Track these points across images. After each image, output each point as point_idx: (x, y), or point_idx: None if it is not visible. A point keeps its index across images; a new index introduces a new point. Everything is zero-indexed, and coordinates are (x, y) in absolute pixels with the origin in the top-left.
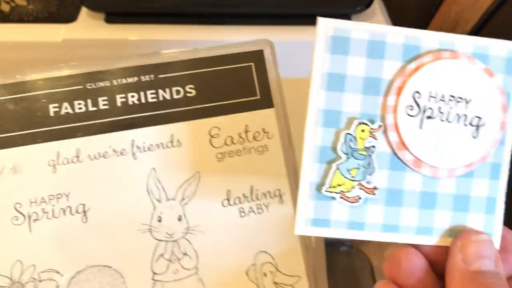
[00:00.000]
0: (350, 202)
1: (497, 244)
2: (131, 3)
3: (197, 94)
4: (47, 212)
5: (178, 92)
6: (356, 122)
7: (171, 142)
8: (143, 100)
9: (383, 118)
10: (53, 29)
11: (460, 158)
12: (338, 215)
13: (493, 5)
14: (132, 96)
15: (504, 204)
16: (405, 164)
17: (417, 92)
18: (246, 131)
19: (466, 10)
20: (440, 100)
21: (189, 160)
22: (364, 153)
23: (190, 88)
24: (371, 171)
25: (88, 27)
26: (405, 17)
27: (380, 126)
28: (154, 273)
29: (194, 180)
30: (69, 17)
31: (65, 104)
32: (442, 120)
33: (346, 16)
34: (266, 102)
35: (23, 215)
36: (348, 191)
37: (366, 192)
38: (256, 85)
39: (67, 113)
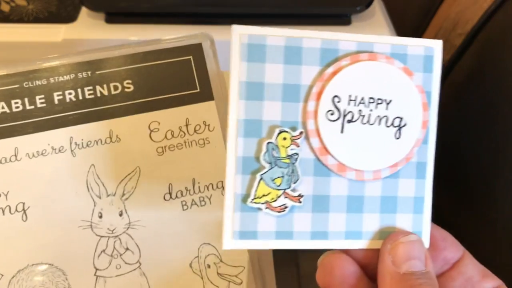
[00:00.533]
0: (276, 211)
1: (426, 243)
2: (131, 3)
3: (135, 89)
4: None
5: (116, 87)
6: (277, 130)
7: (110, 138)
8: (80, 97)
9: (304, 125)
10: (53, 29)
11: (384, 160)
12: (266, 225)
13: (493, 5)
14: (69, 93)
15: (432, 202)
16: (329, 169)
17: (337, 96)
18: (187, 125)
19: (466, 10)
20: (360, 103)
21: (129, 155)
22: (287, 161)
23: (128, 83)
24: (296, 179)
25: (88, 27)
26: (405, 17)
27: (301, 132)
28: (97, 269)
29: (134, 175)
30: (69, 17)
31: (2, 104)
32: (363, 123)
33: (346, 16)
34: (206, 95)
35: None
36: (274, 201)
37: (292, 200)
38: (196, 78)
39: (4, 112)
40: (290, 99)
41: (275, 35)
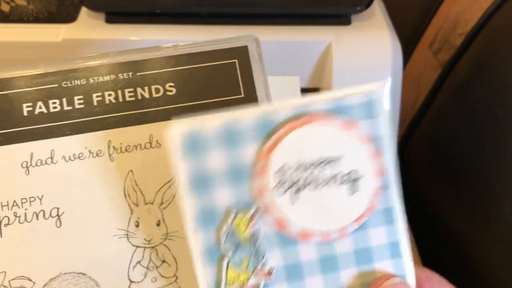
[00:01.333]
0: None
1: (412, 284)
2: (131, 3)
3: (177, 93)
4: (19, 216)
5: (157, 90)
6: (232, 215)
7: (150, 143)
8: (120, 99)
9: (257, 202)
10: (53, 29)
11: (347, 216)
12: None
13: (493, 5)
14: (109, 95)
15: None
16: (294, 238)
17: (282, 168)
18: None
19: (466, 10)
20: (308, 167)
21: (169, 162)
22: (249, 241)
23: (170, 86)
24: (263, 255)
25: (88, 27)
26: (405, 17)
27: (256, 210)
28: (131, 281)
29: (174, 183)
30: (69, 17)
31: (39, 103)
32: (316, 185)
33: (346, 16)
34: (250, 100)
35: None
36: (246, 283)
37: (263, 277)
38: (240, 83)
39: (41, 112)
40: (237, 181)
41: (208, 122)
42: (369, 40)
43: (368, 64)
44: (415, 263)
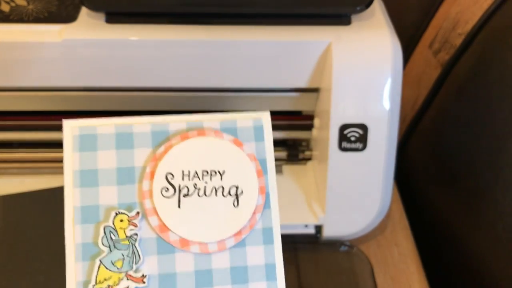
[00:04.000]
0: None
1: None
2: (131, 3)
3: None
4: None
5: None
6: (113, 213)
7: None
8: None
9: (141, 204)
10: (53, 29)
11: (227, 229)
12: None
13: (493, 5)
14: None
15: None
16: (172, 245)
17: (170, 173)
18: None
19: (466, 10)
20: (194, 177)
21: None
22: (127, 242)
23: None
24: (137, 259)
25: (88, 27)
26: (405, 17)
27: (138, 213)
28: None
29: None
30: (69, 17)
31: None
32: (199, 196)
33: (346, 16)
34: None
35: None
36: (116, 284)
37: (135, 281)
38: None
39: None
40: (125, 182)
41: (105, 124)
42: (369, 40)
43: (368, 64)
44: (415, 262)
